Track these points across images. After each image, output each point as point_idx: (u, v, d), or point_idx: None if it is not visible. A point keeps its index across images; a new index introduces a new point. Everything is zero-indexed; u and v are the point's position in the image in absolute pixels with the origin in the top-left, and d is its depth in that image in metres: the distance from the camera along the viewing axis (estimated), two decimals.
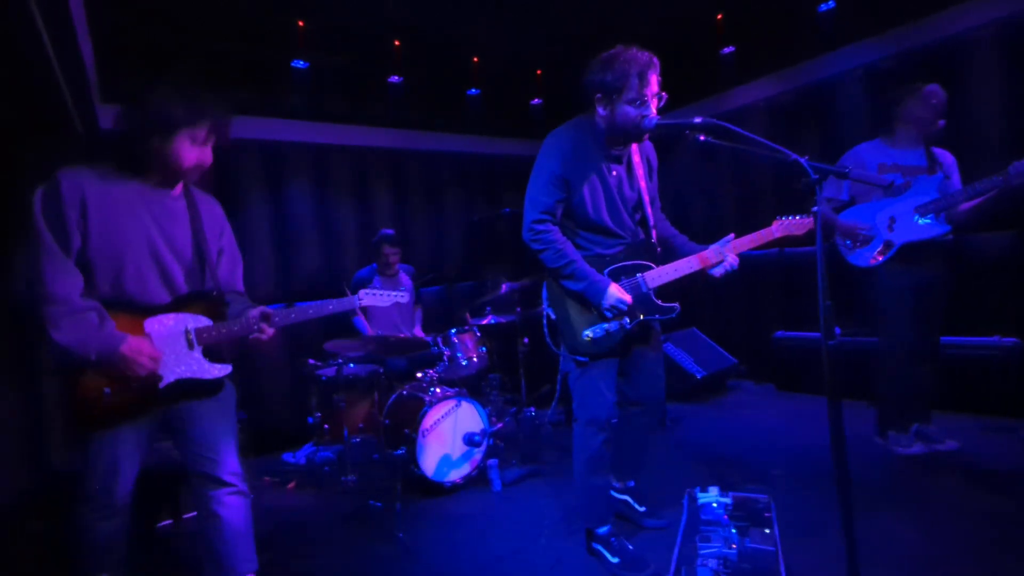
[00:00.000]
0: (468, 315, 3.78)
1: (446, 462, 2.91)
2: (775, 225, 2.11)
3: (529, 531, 2.40)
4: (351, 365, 3.21)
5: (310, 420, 3.30)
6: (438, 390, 3.03)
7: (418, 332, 3.85)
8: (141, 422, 1.73)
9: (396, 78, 4.21)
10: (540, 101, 4.95)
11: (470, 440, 2.97)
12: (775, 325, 4.37)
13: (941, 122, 2.69)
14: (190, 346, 1.76)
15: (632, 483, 2.39)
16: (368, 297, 2.15)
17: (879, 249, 2.68)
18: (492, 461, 2.97)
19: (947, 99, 2.68)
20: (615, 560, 2.02)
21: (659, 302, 2.06)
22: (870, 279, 2.74)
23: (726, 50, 4.20)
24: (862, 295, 2.81)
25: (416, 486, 2.91)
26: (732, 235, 2.08)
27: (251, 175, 4.06)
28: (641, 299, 2.02)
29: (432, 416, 2.87)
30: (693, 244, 2.18)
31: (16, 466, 2.57)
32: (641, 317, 2.03)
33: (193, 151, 1.72)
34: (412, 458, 2.79)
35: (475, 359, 3.32)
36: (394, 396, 3.16)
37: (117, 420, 1.68)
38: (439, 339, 3.31)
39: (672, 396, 4.12)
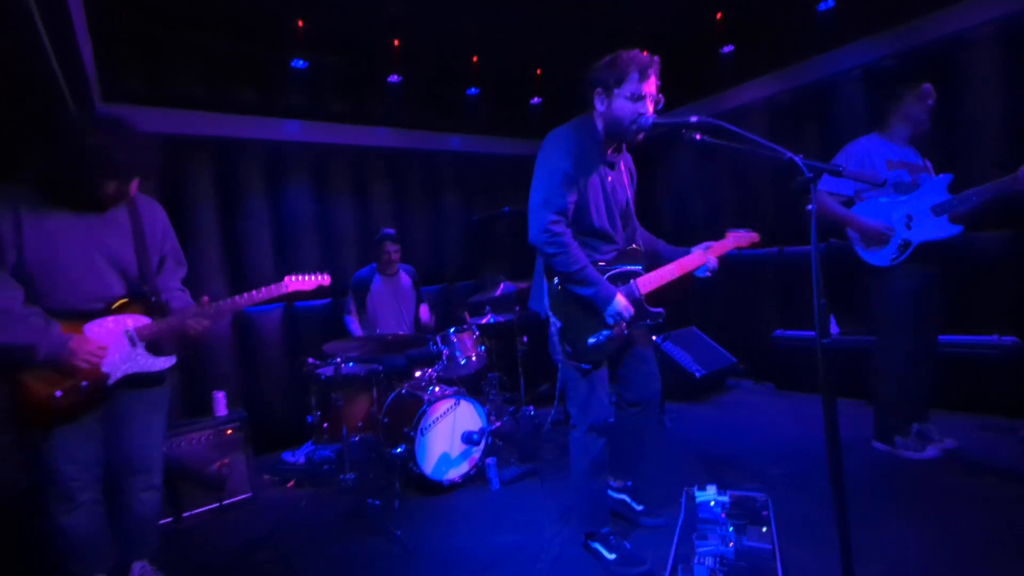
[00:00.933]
0: (467, 314, 3.78)
1: (445, 461, 2.91)
2: (729, 237, 2.29)
3: (527, 530, 2.41)
4: (350, 364, 3.22)
5: (309, 419, 3.30)
6: (437, 389, 3.03)
7: (424, 316, 3.88)
8: (87, 418, 1.85)
9: (395, 77, 4.21)
10: (540, 100, 4.95)
11: (468, 439, 2.97)
12: (774, 324, 4.37)
13: (926, 126, 2.76)
14: (132, 344, 1.90)
15: (629, 482, 2.40)
16: (294, 283, 2.25)
17: (898, 247, 2.66)
18: (490, 460, 2.97)
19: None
20: (611, 556, 2.03)
21: (649, 308, 2.10)
22: (884, 278, 2.71)
23: (725, 49, 4.20)
24: (870, 294, 2.79)
25: (415, 484, 2.92)
26: (720, 240, 2.22)
27: (250, 174, 4.06)
28: (635, 305, 2.03)
29: (431, 415, 2.88)
30: (674, 248, 2.25)
31: (21, 462, 2.58)
32: (636, 323, 2.06)
33: (113, 186, 1.83)
34: (411, 456, 2.80)
35: (474, 358, 3.32)
36: (393, 395, 3.16)
37: (68, 419, 1.79)
38: (438, 338, 3.32)
39: (671, 395, 4.13)
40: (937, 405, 3.26)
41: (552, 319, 2.06)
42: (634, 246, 2.17)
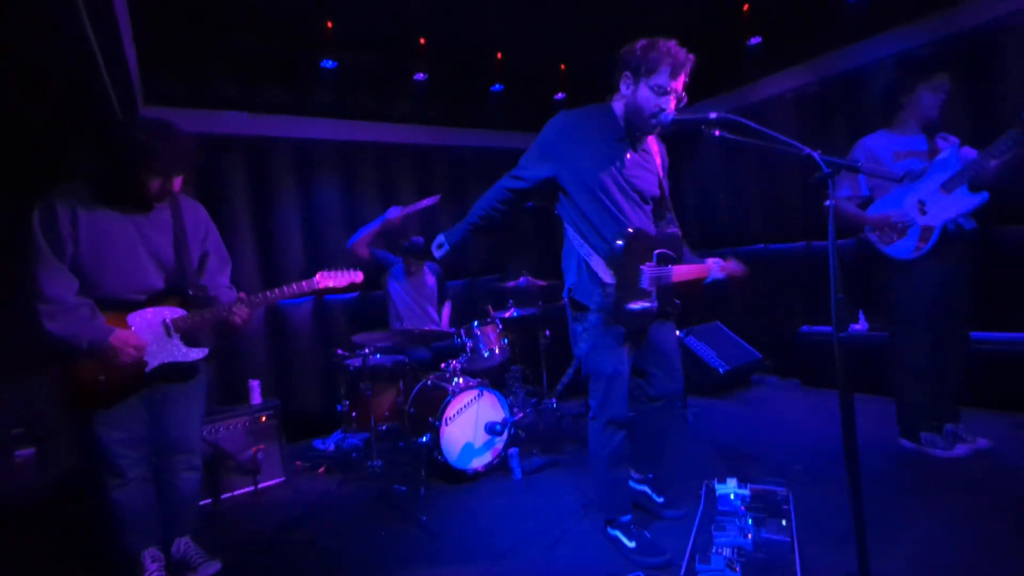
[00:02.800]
0: (490, 308, 3.85)
1: (469, 450, 2.99)
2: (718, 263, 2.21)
3: (548, 518, 2.46)
4: (377, 355, 3.32)
5: (339, 408, 3.42)
6: (461, 380, 3.11)
7: (445, 326, 3.95)
8: (131, 399, 1.99)
9: (421, 75, 4.29)
10: (564, 95, 4.97)
11: (492, 429, 3.04)
12: (801, 319, 4.32)
13: (935, 115, 2.69)
14: (168, 334, 2.03)
15: (651, 475, 2.42)
16: (325, 279, 2.32)
17: (919, 236, 2.57)
18: (513, 450, 3.04)
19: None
20: (632, 544, 2.06)
21: (673, 299, 2.11)
22: (906, 274, 2.63)
23: (753, 41, 4.15)
24: (893, 290, 2.70)
25: (439, 473, 3.00)
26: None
27: (282, 172, 4.20)
28: (664, 291, 2.05)
29: (455, 405, 2.96)
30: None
31: (67, 444, 2.76)
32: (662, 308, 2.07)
33: (157, 183, 1.96)
34: (436, 445, 2.88)
35: (497, 351, 3.38)
36: (419, 386, 3.26)
37: (110, 402, 1.94)
38: (462, 331, 3.39)
39: (694, 390, 4.13)
40: (973, 403, 3.19)
41: (605, 278, 2.00)
42: (678, 234, 2.15)
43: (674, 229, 2.21)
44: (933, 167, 2.60)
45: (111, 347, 1.85)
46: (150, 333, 1.99)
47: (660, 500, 2.38)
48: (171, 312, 2.04)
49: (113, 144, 1.89)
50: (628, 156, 2.07)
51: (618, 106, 2.06)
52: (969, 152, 2.59)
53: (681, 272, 2.11)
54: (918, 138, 2.71)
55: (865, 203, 2.79)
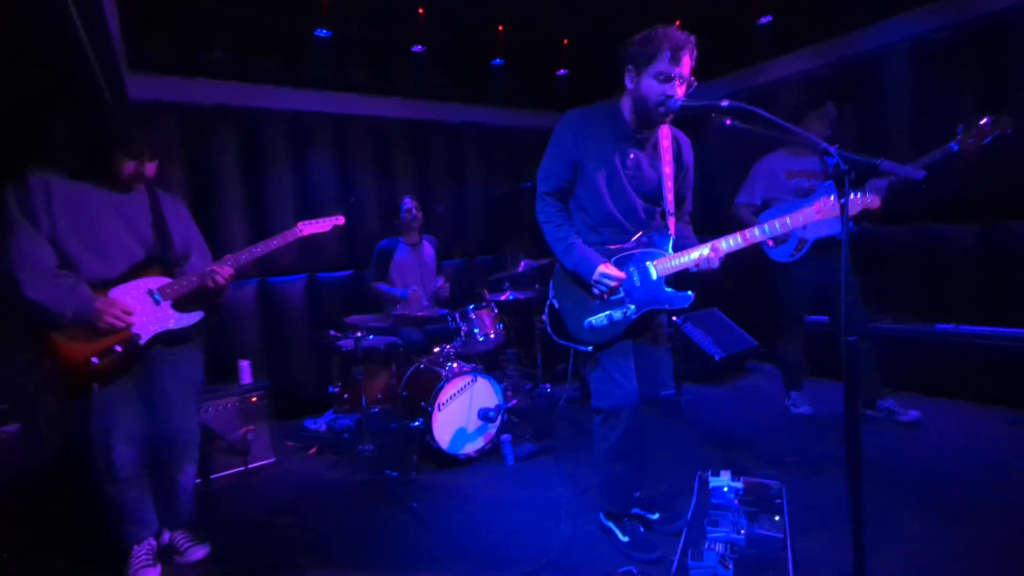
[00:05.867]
0: (486, 291, 3.79)
1: (461, 435, 2.97)
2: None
3: (540, 506, 2.45)
4: (370, 337, 3.27)
5: (331, 389, 3.39)
6: (455, 365, 3.06)
7: (444, 291, 3.89)
8: (128, 387, 1.93)
9: (419, 48, 4.14)
10: (566, 72, 4.82)
11: (485, 415, 3.01)
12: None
13: (828, 132, 3.06)
14: (157, 303, 1.97)
15: (638, 494, 2.24)
16: (308, 226, 2.31)
17: (795, 246, 3.09)
18: (506, 436, 3.02)
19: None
20: (625, 539, 2.05)
21: (669, 291, 1.95)
22: (784, 272, 3.19)
23: (763, 20, 4.00)
24: (774, 286, 3.30)
25: (431, 457, 2.98)
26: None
27: (274, 145, 4.08)
28: (651, 287, 1.94)
29: (448, 390, 2.92)
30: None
31: (54, 422, 2.71)
32: (648, 308, 1.95)
33: (131, 165, 1.92)
34: (428, 430, 2.86)
35: (492, 335, 3.33)
36: (412, 369, 3.21)
37: (106, 382, 1.88)
38: (456, 314, 3.33)
39: (690, 377, 4.11)
40: (972, 398, 3.25)
41: (552, 301, 2.08)
42: (668, 229, 2.01)
43: (666, 231, 2.04)
44: (821, 188, 3.00)
45: (97, 311, 1.79)
46: (137, 305, 1.93)
47: (655, 517, 2.23)
48: (155, 281, 1.98)
49: (89, 125, 1.87)
50: (631, 156, 1.98)
51: (625, 104, 1.96)
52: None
53: (672, 261, 1.94)
54: (811, 159, 3.12)
55: (759, 211, 3.21)
